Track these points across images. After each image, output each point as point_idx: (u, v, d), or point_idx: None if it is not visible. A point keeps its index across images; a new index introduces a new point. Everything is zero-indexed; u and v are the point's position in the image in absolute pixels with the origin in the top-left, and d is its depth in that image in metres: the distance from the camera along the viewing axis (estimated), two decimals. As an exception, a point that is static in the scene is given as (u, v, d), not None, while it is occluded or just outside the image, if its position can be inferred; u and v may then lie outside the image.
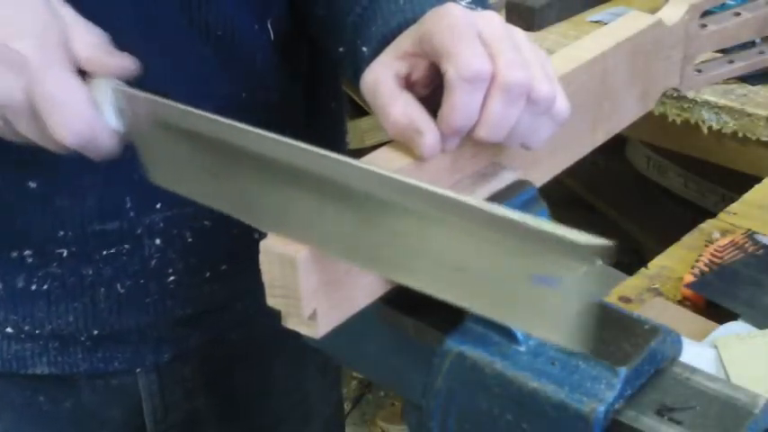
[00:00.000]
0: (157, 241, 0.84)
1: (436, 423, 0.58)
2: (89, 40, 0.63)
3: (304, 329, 0.53)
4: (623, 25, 0.75)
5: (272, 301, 0.53)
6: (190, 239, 0.85)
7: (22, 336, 0.87)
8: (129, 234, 0.83)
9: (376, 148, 0.58)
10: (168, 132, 0.60)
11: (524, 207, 0.59)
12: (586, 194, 2.26)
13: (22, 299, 0.85)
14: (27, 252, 0.83)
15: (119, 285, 0.85)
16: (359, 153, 0.59)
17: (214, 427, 1.00)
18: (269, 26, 0.83)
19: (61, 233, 0.82)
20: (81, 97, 0.60)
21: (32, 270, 0.84)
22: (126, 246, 0.83)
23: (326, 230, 0.52)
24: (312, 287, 0.52)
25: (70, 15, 0.63)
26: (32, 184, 0.80)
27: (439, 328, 0.58)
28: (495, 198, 0.59)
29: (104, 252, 0.83)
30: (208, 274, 0.88)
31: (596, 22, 1.74)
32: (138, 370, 0.91)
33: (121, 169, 0.75)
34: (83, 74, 0.62)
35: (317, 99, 0.93)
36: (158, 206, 0.82)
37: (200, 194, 0.61)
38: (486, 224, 0.46)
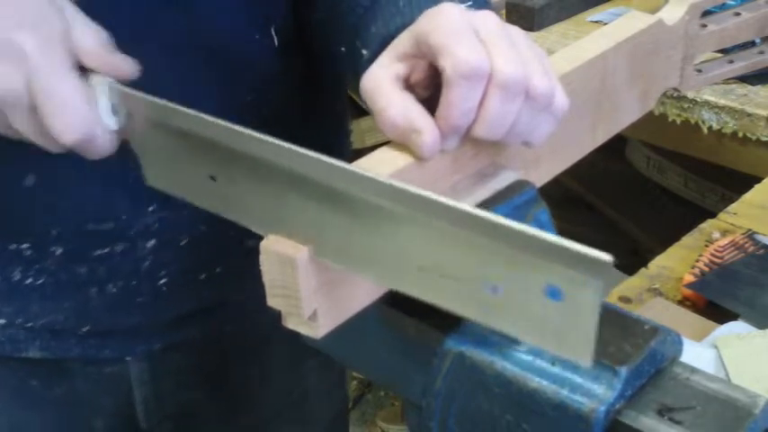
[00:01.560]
0: (151, 243, 0.84)
1: (436, 423, 0.58)
2: (90, 36, 0.63)
3: (304, 329, 0.53)
4: (623, 25, 0.75)
5: (272, 301, 0.53)
6: (184, 242, 0.85)
7: (15, 325, 0.88)
8: (123, 235, 0.83)
9: (376, 148, 0.58)
10: (164, 133, 0.60)
11: (524, 207, 0.59)
12: (586, 194, 2.25)
13: (16, 292, 0.85)
14: (25, 245, 0.83)
15: (111, 285, 0.85)
16: (359, 153, 0.59)
17: (209, 421, 1.00)
18: (273, 33, 0.83)
19: (55, 231, 0.82)
20: (80, 94, 0.60)
21: (29, 263, 0.84)
22: (119, 246, 0.84)
23: (323, 235, 0.52)
24: (312, 287, 0.52)
25: (72, 11, 0.63)
26: (28, 182, 0.80)
27: (439, 329, 0.58)
28: (496, 198, 0.59)
29: (98, 251, 0.83)
30: (203, 276, 0.88)
31: (596, 22, 1.74)
32: (128, 358, 0.91)
33: (116, 171, 0.76)
34: (81, 70, 0.62)
35: (318, 101, 0.93)
36: (151, 209, 0.83)
37: (194, 196, 0.61)
38: (495, 236, 0.45)
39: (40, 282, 0.84)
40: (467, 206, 0.47)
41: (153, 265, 0.85)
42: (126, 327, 0.88)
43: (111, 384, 0.93)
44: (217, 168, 0.58)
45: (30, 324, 0.87)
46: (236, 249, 0.84)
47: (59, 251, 0.83)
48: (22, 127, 0.61)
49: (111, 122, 0.62)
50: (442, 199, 0.47)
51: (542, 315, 0.46)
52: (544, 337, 0.47)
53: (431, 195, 0.47)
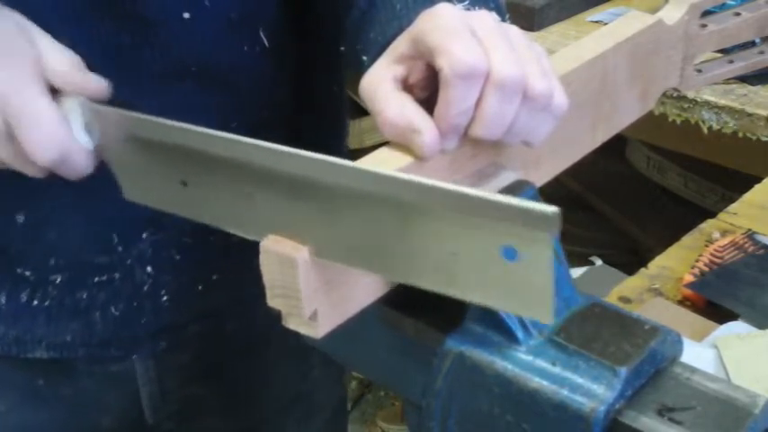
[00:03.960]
0: (148, 269, 0.85)
1: (436, 423, 0.58)
2: (62, 59, 0.65)
3: (304, 329, 0.53)
4: (623, 25, 0.75)
5: (272, 301, 0.53)
6: (177, 257, 0.86)
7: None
8: (120, 264, 0.84)
9: (376, 148, 0.58)
10: (136, 145, 0.62)
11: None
12: (586, 194, 2.26)
13: (24, 314, 0.86)
14: (27, 272, 0.84)
15: (113, 308, 0.86)
16: (359, 153, 0.59)
17: (213, 417, 1.00)
18: (261, 34, 0.82)
19: (53, 261, 0.83)
20: (52, 114, 0.62)
21: (34, 287, 0.85)
22: (118, 274, 0.85)
23: (297, 227, 0.53)
24: (312, 287, 0.52)
25: (44, 39, 0.65)
26: (20, 218, 0.81)
27: (439, 329, 0.58)
28: (496, 198, 0.59)
29: (97, 279, 0.84)
30: (200, 287, 0.89)
31: (596, 22, 1.74)
32: (134, 356, 0.92)
33: (103, 207, 0.78)
34: (54, 92, 0.64)
35: (315, 100, 0.93)
36: (144, 235, 0.83)
37: (169, 204, 0.63)
38: (452, 203, 0.47)
39: (46, 303, 0.85)
40: (420, 178, 0.48)
41: (152, 287, 0.86)
42: (130, 337, 0.89)
43: (117, 382, 0.94)
44: (186, 173, 0.59)
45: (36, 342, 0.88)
46: (223, 253, 0.85)
47: (59, 279, 0.84)
48: (1, 154, 0.63)
49: (86, 140, 0.64)
50: (399, 174, 0.49)
51: (502, 277, 0.47)
52: (506, 299, 0.48)
53: (387, 172, 0.49)
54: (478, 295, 0.50)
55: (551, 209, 0.44)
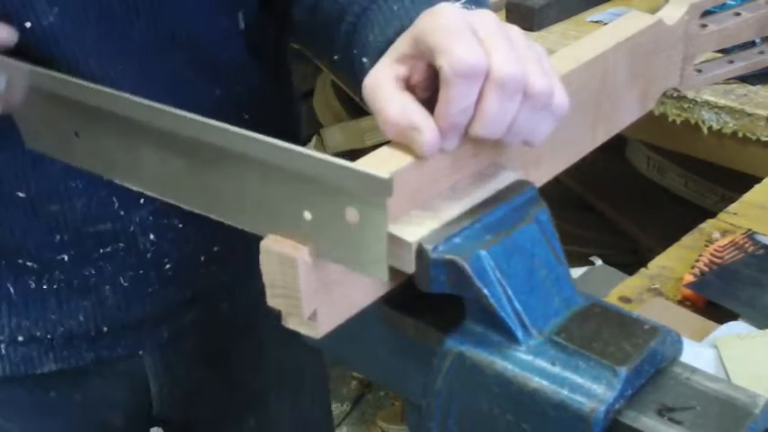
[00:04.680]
0: (151, 236, 0.86)
1: (436, 423, 0.58)
2: None
3: (304, 329, 0.53)
4: (623, 25, 0.75)
5: (272, 301, 0.53)
6: (180, 225, 0.87)
7: (32, 340, 0.89)
8: (123, 233, 0.85)
9: (376, 148, 0.58)
10: (38, 97, 0.67)
11: (524, 207, 0.59)
12: (586, 194, 2.26)
13: (34, 300, 0.86)
14: (29, 262, 0.85)
15: (121, 279, 0.87)
16: (359, 153, 0.59)
17: (215, 398, 1.03)
18: (240, 18, 0.85)
19: (57, 238, 0.83)
20: None
21: (40, 272, 0.86)
22: (121, 244, 0.85)
23: (157, 174, 0.61)
24: (312, 287, 0.52)
25: None
26: (20, 194, 0.81)
27: (439, 328, 0.58)
28: (496, 198, 0.59)
29: (101, 251, 0.85)
30: (202, 258, 0.91)
31: (596, 22, 1.74)
32: (140, 352, 0.93)
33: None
34: None
35: (283, 87, 0.96)
36: (142, 201, 0.84)
37: (64, 154, 0.69)
38: (300, 166, 0.52)
39: (54, 287, 0.86)
40: (275, 140, 0.53)
41: (156, 255, 0.87)
42: (138, 319, 0.90)
43: (126, 380, 0.95)
44: (78, 125, 0.66)
45: (48, 336, 0.88)
46: (223, 227, 0.87)
47: (66, 258, 0.85)
48: None
49: None
50: (258, 136, 0.53)
51: (346, 238, 0.51)
52: (350, 258, 0.52)
53: (253, 135, 0.54)
54: (324, 253, 0.52)
55: (384, 174, 0.49)
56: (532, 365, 0.54)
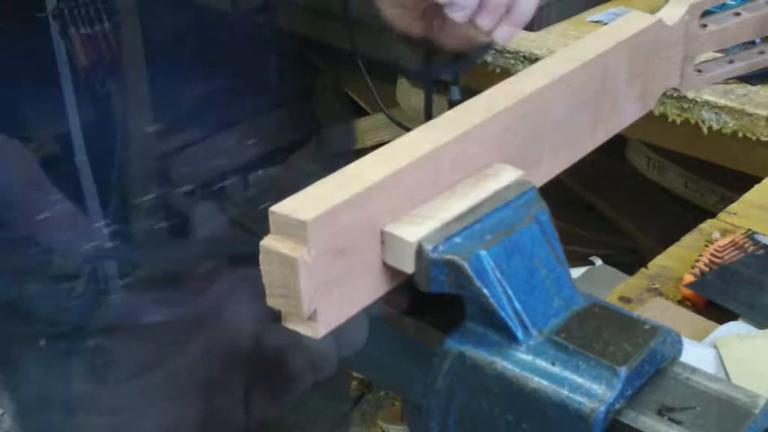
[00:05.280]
0: None
1: (436, 423, 0.58)
2: None
3: (304, 329, 0.53)
4: (623, 25, 0.75)
5: (272, 301, 0.53)
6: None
7: None
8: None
9: (376, 148, 0.58)
10: None
11: (524, 207, 0.59)
12: (586, 194, 2.25)
13: None
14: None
15: None
16: (359, 153, 0.59)
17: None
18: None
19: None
20: None
21: None
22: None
23: None
24: (312, 287, 0.52)
25: None
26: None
27: (439, 328, 0.58)
28: (496, 198, 0.59)
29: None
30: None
31: (596, 22, 1.74)
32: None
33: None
34: None
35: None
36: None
37: None
38: None
39: None
40: None
41: None
42: None
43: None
44: None
45: None
46: None
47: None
48: None
49: None
50: None
51: None
52: None
53: None
54: None
55: None
56: (532, 365, 0.54)
